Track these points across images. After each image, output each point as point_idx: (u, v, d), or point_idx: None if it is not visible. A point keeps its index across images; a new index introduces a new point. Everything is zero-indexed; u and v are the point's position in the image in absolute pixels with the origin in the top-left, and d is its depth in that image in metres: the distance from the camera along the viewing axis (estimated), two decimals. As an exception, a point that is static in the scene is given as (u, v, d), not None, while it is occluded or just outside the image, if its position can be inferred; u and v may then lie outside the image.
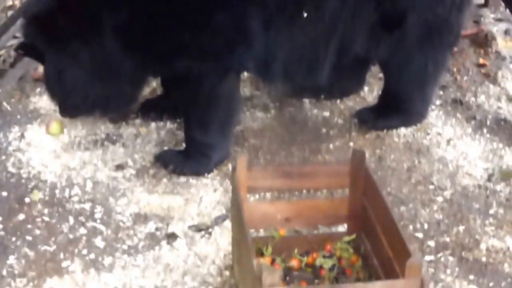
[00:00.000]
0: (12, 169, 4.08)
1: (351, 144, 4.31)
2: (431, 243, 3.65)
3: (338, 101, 4.72)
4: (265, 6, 3.86)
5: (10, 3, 5.63)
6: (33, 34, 4.01)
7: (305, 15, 3.94)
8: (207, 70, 3.94)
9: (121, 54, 3.91)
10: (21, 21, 4.26)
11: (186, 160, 4.12)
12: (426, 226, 3.74)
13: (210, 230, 3.68)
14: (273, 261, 3.31)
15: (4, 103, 4.66)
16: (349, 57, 4.20)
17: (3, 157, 4.17)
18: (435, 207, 3.86)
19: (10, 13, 5.42)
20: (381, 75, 4.66)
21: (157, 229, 3.69)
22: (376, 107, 4.57)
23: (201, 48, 3.87)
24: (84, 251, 3.59)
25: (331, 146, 4.30)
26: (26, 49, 4.14)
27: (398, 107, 4.46)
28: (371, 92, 4.81)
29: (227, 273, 3.47)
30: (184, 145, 4.19)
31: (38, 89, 4.80)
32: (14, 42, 5.25)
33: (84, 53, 3.93)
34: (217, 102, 4.04)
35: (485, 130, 4.50)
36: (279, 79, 4.21)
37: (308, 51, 4.06)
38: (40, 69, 4.91)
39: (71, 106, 4.16)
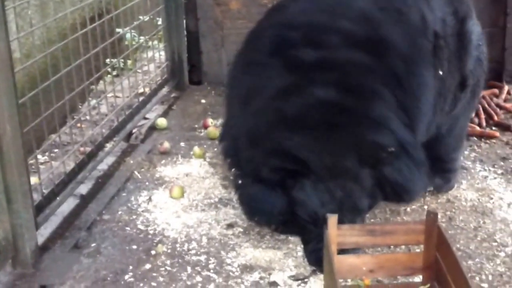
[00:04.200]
0: (141, 226, 4.12)
1: (425, 207, 4.25)
2: (496, 292, 3.57)
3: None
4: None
5: (141, 90, 5.77)
6: None
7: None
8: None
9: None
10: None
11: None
12: (490, 277, 3.63)
13: (306, 280, 3.63)
14: (359, 307, 3.28)
15: (135, 172, 4.74)
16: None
17: (134, 216, 4.22)
18: (498, 261, 3.76)
19: (141, 98, 5.55)
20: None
21: (261, 278, 3.66)
22: None
23: None
24: (200, 296, 3.61)
25: (408, 209, 4.25)
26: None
27: (442, 169, 4.28)
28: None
29: (320, 316, 3.43)
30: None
31: (163, 161, 4.89)
32: (144, 122, 5.37)
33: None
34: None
35: (541, 195, 4.41)
36: None
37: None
38: (165, 144, 5.00)
39: None
